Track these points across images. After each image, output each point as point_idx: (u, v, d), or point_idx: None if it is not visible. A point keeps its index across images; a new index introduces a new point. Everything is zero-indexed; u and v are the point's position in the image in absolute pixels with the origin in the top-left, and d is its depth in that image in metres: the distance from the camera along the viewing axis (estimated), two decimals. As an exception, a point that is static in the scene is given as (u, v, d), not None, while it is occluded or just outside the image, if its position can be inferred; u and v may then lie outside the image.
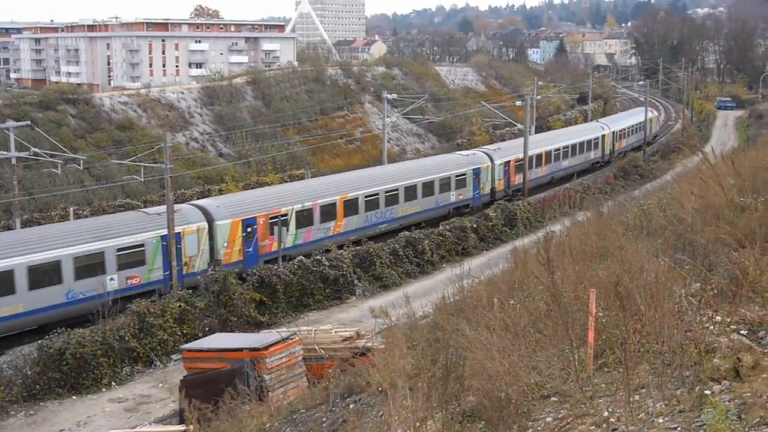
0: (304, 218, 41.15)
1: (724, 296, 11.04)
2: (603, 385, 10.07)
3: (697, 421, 8.07)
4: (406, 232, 42.99)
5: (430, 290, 32.27)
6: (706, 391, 8.56)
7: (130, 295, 33.00)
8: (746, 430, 7.57)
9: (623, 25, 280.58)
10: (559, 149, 65.03)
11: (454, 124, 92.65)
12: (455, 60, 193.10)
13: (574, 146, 67.65)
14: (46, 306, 31.16)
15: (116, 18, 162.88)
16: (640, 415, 8.74)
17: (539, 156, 61.67)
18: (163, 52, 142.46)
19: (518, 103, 71.16)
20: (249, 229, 38.38)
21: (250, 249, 38.38)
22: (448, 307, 19.56)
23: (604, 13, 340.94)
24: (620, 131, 78.45)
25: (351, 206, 43.76)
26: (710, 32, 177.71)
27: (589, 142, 70.77)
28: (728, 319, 10.19)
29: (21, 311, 30.54)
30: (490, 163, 55.43)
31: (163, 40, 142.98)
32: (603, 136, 73.66)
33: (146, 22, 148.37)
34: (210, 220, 37.13)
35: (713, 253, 14.11)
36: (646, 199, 32.46)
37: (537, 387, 10.49)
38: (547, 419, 9.59)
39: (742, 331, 9.82)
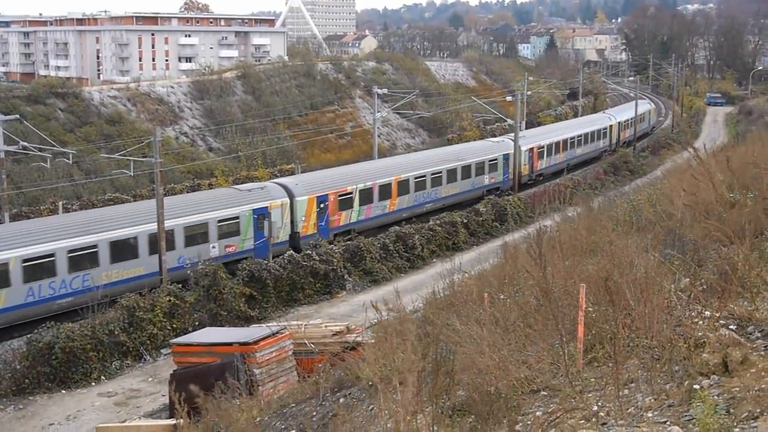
0: (366, 196, 45.37)
1: (713, 291, 11.08)
2: (592, 380, 10.09)
3: (686, 416, 8.10)
4: (396, 227, 43.06)
5: (420, 285, 32.30)
6: (695, 386, 8.59)
7: (227, 261, 36.48)
8: (735, 424, 7.61)
9: (613, 20, 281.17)
10: (574, 138, 68.97)
11: (445, 120, 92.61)
12: (445, 55, 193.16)
13: (586, 135, 71.89)
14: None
15: (105, 12, 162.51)
16: (630, 410, 8.77)
17: (557, 144, 65.77)
18: (153, 46, 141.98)
19: (509, 98, 71.68)
20: (322, 205, 42.64)
21: (323, 223, 42.60)
22: (438, 301, 19.59)
23: (595, 9, 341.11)
24: (624, 122, 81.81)
25: (403, 186, 48.09)
26: (700, 28, 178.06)
27: (599, 131, 75.03)
28: (717, 314, 10.23)
29: (143, 273, 34.25)
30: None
31: (152, 34, 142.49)
32: (610, 126, 77.56)
33: (136, 16, 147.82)
34: (291, 197, 41.28)
35: (702, 249, 14.16)
36: (635, 195, 32.52)
37: (527, 381, 10.51)
38: (537, 413, 9.61)
39: (731, 326, 9.86)
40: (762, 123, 72.63)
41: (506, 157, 57.38)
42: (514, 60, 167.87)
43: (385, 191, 46.52)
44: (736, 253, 11.63)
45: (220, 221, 37.56)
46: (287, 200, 40.84)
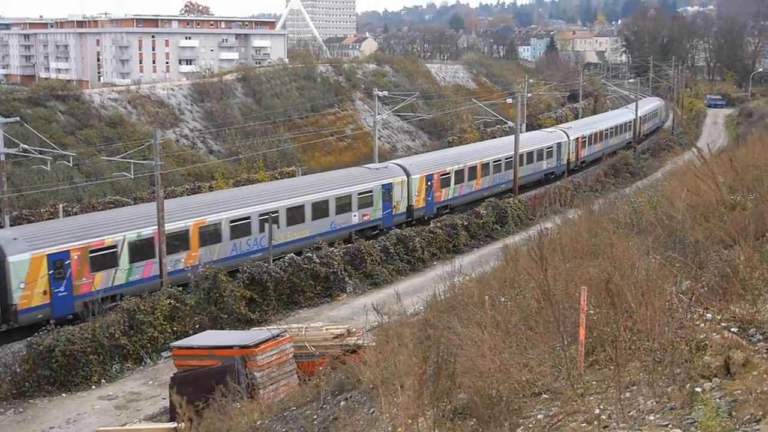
0: (459, 177, 53.40)
1: (714, 293, 11.05)
2: (594, 383, 10.07)
3: (688, 419, 8.08)
4: (397, 230, 43.07)
5: (421, 288, 32.26)
6: (696, 389, 8.57)
7: (362, 228, 45.09)
8: (737, 427, 7.59)
9: (614, 22, 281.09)
10: (608, 129, 77.48)
11: (445, 122, 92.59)
12: (446, 57, 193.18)
13: (617, 127, 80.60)
14: (319, 232, 41.97)
15: (106, 14, 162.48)
16: (631, 413, 8.75)
17: (596, 135, 74.41)
18: (153, 49, 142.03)
19: (509, 100, 72.00)
20: (429, 183, 50.32)
21: (429, 198, 50.60)
22: (439, 304, 19.55)
23: (595, 11, 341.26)
24: (644, 116, 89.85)
25: (486, 169, 56.25)
26: (700, 30, 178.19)
27: (625, 124, 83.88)
28: (719, 317, 10.20)
29: (306, 235, 41.27)
30: (567, 139, 67.40)
31: (153, 37, 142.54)
32: (634, 120, 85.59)
33: (136, 18, 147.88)
34: (407, 175, 48.74)
35: (704, 251, 14.14)
36: (636, 197, 32.51)
37: (528, 384, 10.48)
38: (538, 416, 9.59)
39: (732, 329, 9.83)
40: (762, 125, 72.50)
41: (559, 145, 65.86)
42: (515, 62, 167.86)
43: (472, 172, 54.66)
44: (737, 255, 11.61)
45: (359, 194, 45.05)
46: (405, 178, 48.47)
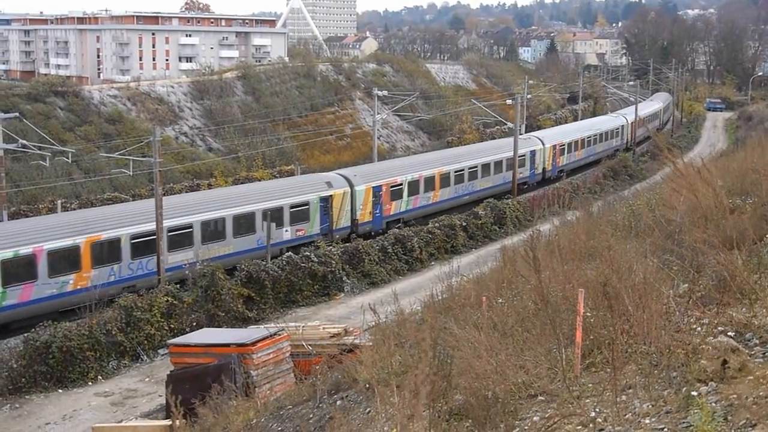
0: (569, 148, 68.46)
1: (711, 298, 11.06)
2: (590, 385, 10.07)
3: (684, 422, 8.08)
4: (395, 230, 43.11)
5: (418, 288, 32.20)
6: (692, 393, 8.57)
7: (519, 183, 56.53)
8: (732, 431, 7.59)
9: (614, 25, 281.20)
10: (647, 116, 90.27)
11: (445, 122, 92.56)
12: (446, 58, 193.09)
13: (652, 115, 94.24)
14: (496, 184, 56.66)
15: (106, 10, 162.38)
16: (627, 416, 8.75)
17: (644, 119, 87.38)
18: (153, 46, 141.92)
19: (509, 101, 72.25)
20: (554, 151, 64.29)
21: (555, 163, 64.76)
22: (436, 305, 19.54)
23: (595, 13, 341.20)
24: (663, 108, 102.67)
25: (583, 143, 71.75)
26: (700, 33, 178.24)
27: (656, 112, 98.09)
28: (715, 321, 10.21)
29: (490, 186, 55.84)
30: (626, 122, 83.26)
31: (153, 34, 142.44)
32: (662, 108, 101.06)
33: (136, 15, 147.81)
34: (543, 144, 62.57)
35: (701, 255, 14.12)
36: (635, 200, 32.44)
37: (524, 386, 10.48)
38: (534, 418, 9.59)
39: (729, 333, 9.84)
40: (762, 128, 72.59)
41: (623, 127, 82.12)
42: (515, 63, 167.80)
43: (576, 145, 69.82)
44: (734, 260, 11.62)
45: (519, 156, 56.44)
46: (542, 147, 62.78)
